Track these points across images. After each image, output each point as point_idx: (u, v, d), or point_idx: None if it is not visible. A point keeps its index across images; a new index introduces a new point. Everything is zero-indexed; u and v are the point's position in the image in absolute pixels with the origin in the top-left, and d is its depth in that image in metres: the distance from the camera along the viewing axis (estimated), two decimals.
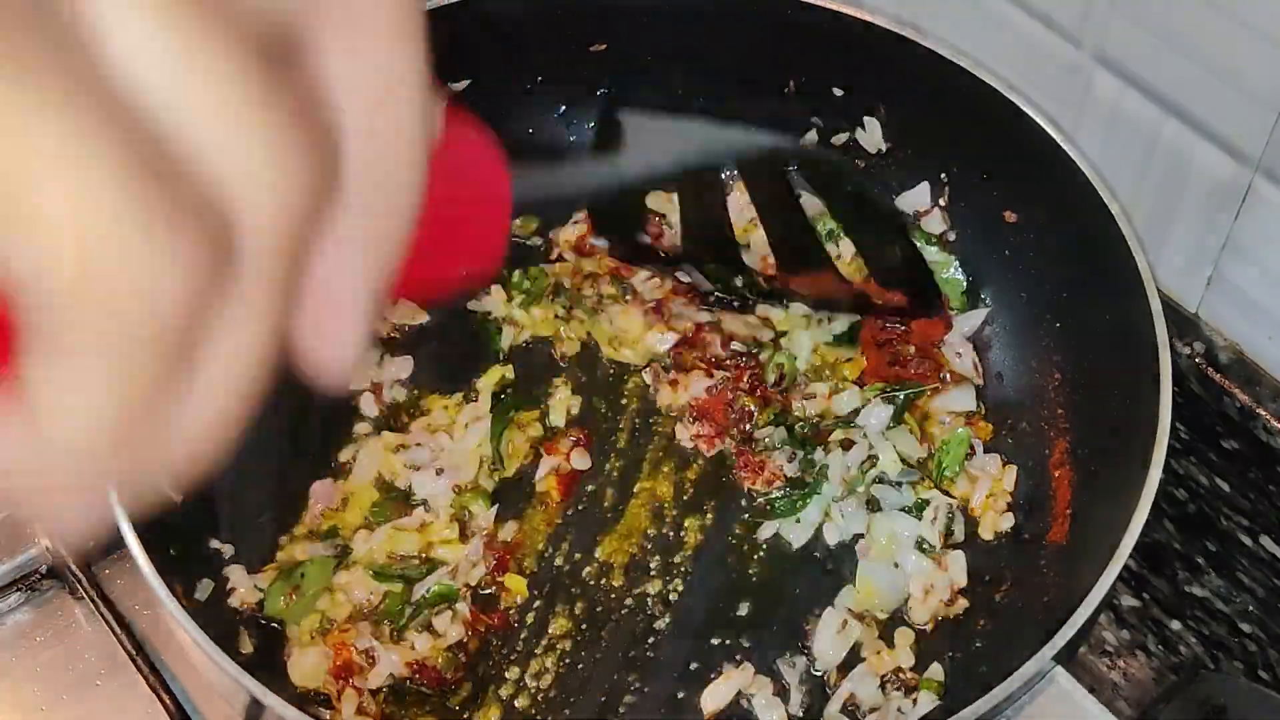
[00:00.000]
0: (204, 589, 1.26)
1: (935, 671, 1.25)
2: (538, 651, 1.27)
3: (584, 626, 1.29)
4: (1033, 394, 1.39)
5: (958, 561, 1.30)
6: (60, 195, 0.42)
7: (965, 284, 1.45)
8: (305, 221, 0.48)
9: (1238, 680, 1.08)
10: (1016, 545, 1.32)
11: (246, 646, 1.24)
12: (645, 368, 1.43)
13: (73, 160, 0.42)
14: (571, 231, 1.51)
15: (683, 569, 1.31)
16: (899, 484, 1.34)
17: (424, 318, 1.46)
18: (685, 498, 1.36)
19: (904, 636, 1.27)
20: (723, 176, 1.44)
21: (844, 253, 1.43)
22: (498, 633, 1.28)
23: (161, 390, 0.46)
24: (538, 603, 1.30)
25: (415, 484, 1.34)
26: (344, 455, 1.37)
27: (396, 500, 1.34)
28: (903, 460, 1.34)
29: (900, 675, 1.25)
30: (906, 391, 1.38)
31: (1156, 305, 1.21)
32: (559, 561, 1.33)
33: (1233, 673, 1.36)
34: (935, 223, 1.47)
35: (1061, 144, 1.30)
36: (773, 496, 1.35)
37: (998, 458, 1.36)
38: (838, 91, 1.48)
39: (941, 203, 1.47)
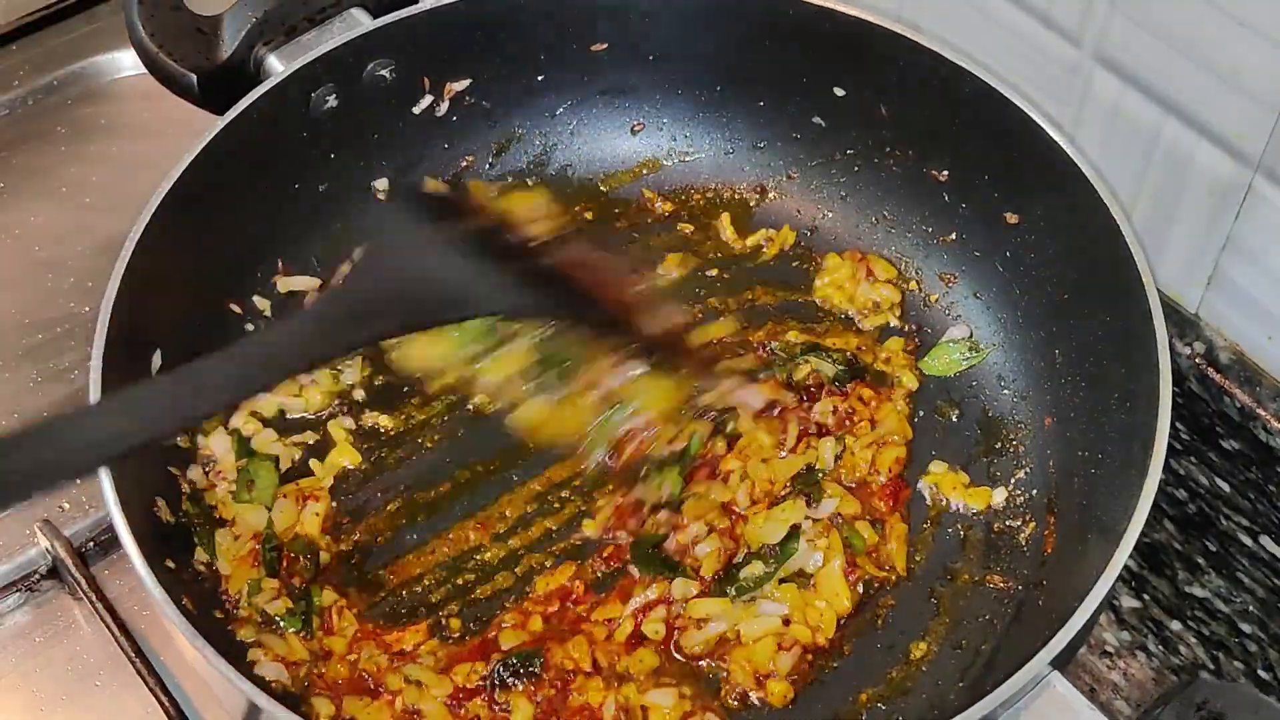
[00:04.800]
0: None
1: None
2: None
3: None
4: (1033, 393, 1.39)
5: None
6: None
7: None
8: None
9: (1234, 685, 1.08)
10: (1016, 547, 1.32)
11: None
12: None
13: None
14: None
15: None
16: None
17: None
18: None
19: None
20: None
21: None
22: None
23: None
24: None
25: None
26: None
27: None
28: None
29: None
30: None
31: (1156, 305, 1.21)
32: None
33: (1233, 673, 1.36)
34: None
35: (1062, 144, 1.30)
36: None
37: None
38: (839, 91, 1.48)
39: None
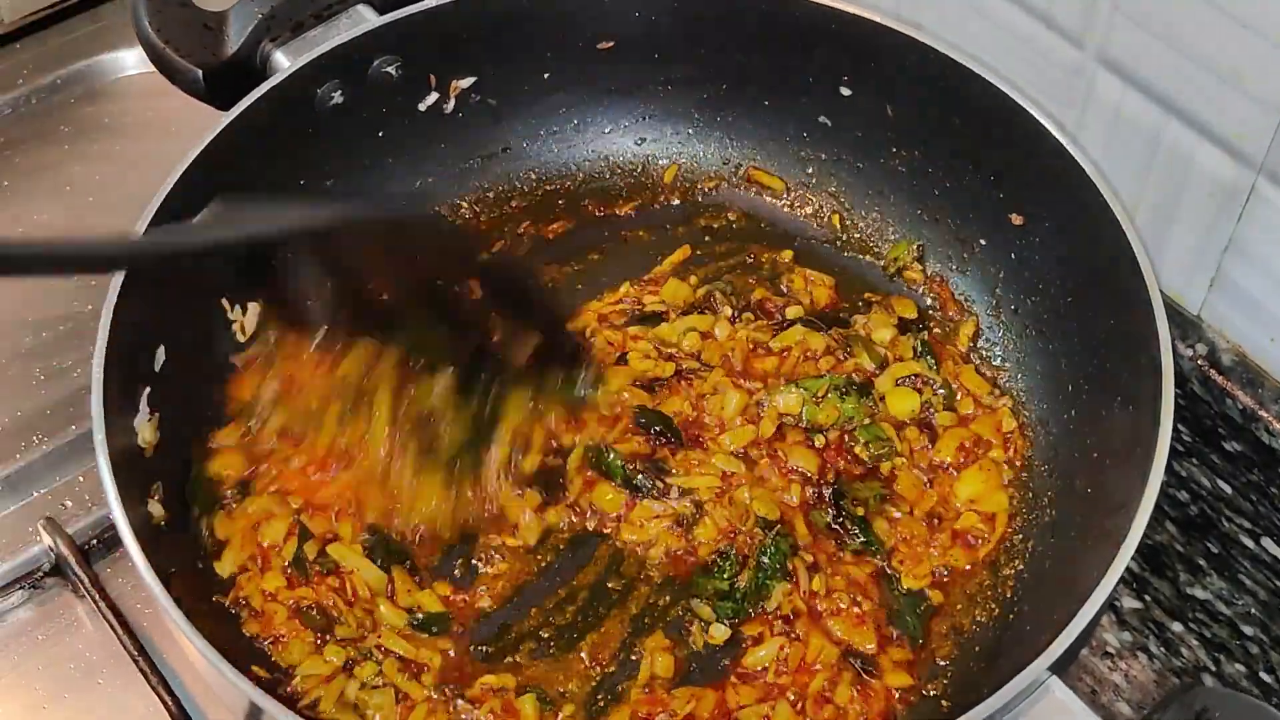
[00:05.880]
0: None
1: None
2: None
3: None
4: (1035, 394, 1.39)
5: None
6: None
7: None
8: None
9: (1234, 693, 1.07)
10: (1016, 549, 1.32)
11: None
12: None
13: None
14: None
15: None
16: None
17: None
18: None
19: None
20: None
21: None
22: None
23: None
24: None
25: None
26: None
27: None
28: None
29: None
30: None
31: (1159, 307, 1.21)
32: None
33: (1234, 675, 1.36)
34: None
35: (1065, 146, 1.30)
36: None
37: None
38: (845, 91, 1.48)
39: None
